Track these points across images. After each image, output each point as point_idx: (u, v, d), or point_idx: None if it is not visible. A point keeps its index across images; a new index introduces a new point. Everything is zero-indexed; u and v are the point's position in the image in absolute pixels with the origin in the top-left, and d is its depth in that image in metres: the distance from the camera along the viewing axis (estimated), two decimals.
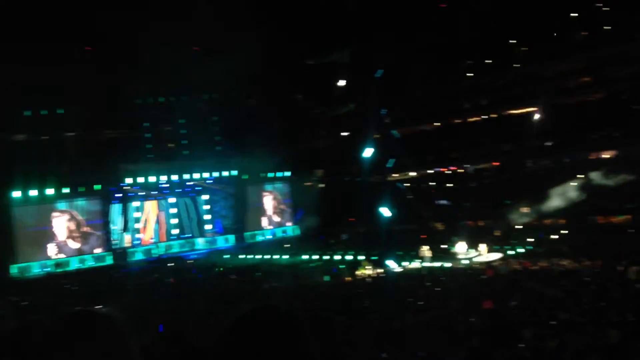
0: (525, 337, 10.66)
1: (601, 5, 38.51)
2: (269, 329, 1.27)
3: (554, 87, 39.26)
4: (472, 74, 43.65)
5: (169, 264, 30.87)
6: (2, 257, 29.31)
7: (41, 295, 22.36)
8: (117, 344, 1.51)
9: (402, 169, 42.65)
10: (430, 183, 41.16)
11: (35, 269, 30.44)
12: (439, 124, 45.50)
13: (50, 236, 31.56)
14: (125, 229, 34.21)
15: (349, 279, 23.94)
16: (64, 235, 31.96)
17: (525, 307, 14.40)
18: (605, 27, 37.76)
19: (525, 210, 31.48)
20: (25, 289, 24.66)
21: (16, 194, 30.37)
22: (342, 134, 48.75)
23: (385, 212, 30.84)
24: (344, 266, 26.57)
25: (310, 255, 30.76)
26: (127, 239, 34.26)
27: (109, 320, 1.55)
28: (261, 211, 40.58)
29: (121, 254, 33.43)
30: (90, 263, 32.09)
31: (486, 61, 43.43)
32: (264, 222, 40.55)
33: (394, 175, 42.14)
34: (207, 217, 38.07)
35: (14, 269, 29.74)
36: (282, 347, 1.24)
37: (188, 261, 32.49)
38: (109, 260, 32.81)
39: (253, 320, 1.30)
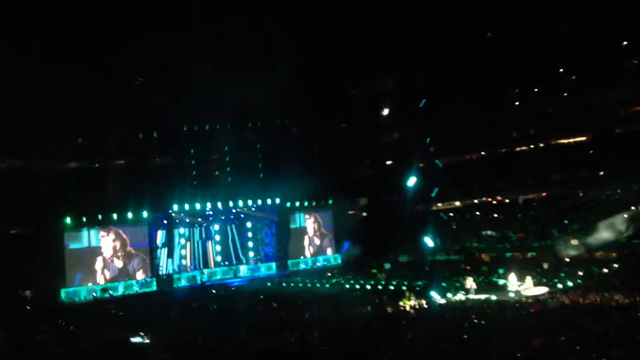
0: None
1: None
2: None
3: (604, 116, 38.31)
4: (519, 102, 43.04)
5: (212, 291, 31.09)
6: (52, 282, 30.14)
7: (87, 320, 22.82)
8: None
9: (447, 199, 42.11)
10: (476, 213, 40.40)
11: (83, 294, 31.17)
12: (485, 152, 44.85)
13: (98, 262, 32.33)
14: (170, 255, 34.77)
15: (391, 309, 23.53)
16: (110, 261, 32.72)
17: (574, 343, 13.82)
18: None
19: (574, 242, 30.46)
20: (72, 314, 25.23)
21: (66, 220, 31.30)
22: (387, 162, 48.62)
23: (429, 242, 30.40)
24: (386, 296, 26.16)
25: (352, 285, 30.46)
26: (171, 265, 34.79)
27: (142, 350, 1.56)
28: (304, 239, 40.62)
29: (165, 280, 33.92)
30: (135, 288, 32.65)
31: (535, 89, 42.80)
32: (306, 250, 40.54)
33: (438, 204, 41.64)
34: (250, 244, 38.33)
35: (63, 294, 30.52)
36: None
37: (231, 288, 32.65)
38: (154, 286, 33.32)
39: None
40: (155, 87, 35.06)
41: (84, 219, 31.84)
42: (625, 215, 30.93)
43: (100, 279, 32.11)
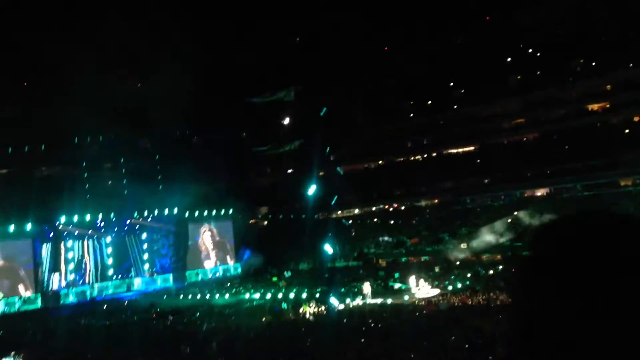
0: None
1: (535, 50, 40.66)
2: None
3: (490, 127, 40.76)
4: (413, 114, 44.87)
5: (103, 307, 29.53)
6: None
7: None
8: None
9: (346, 206, 42.90)
10: (374, 220, 41.47)
11: None
12: (383, 161, 46.27)
13: None
14: (56, 269, 32.61)
15: (291, 317, 23.52)
16: None
17: (464, 342, 14.46)
18: (538, 72, 39.75)
19: (463, 246, 32.11)
20: None
21: None
22: (287, 171, 48.82)
23: (328, 249, 30.78)
24: (286, 304, 26.10)
25: (253, 294, 30.15)
26: (58, 280, 32.64)
27: None
28: (202, 250, 39.68)
29: (51, 296, 31.77)
30: (18, 306, 30.30)
31: (428, 102, 44.81)
32: (205, 260, 39.62)
33: (338, 212, 42.31)
34: (145, 256, 36.88)
35: None
36: None
37: (124, 303, 31.18)
38: (38, 303, 31.10)
39: None
40: (46, 92, 33.06)
41: None
42: (508, 220, 33.00)
43: None
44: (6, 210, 31.61)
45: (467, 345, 14.15)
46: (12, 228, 31.06)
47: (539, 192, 36.91)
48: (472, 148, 42.50)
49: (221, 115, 42.05)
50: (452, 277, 27.61)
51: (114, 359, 15.59)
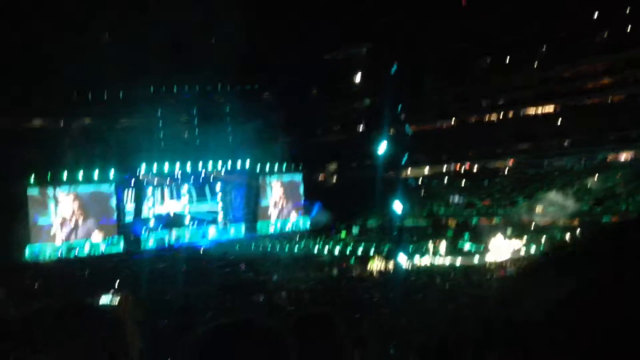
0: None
1: (624, 8, 37.99)
2: (242, 346, 1.18)
3: (573, 87, 38.90)
4: (490, 73, 43.31)
5: (180, 253, 31.02)
6: (16, 241, 29.60)
7: (52, 280, 22.58)
8: (114, 339, 1.49)
9: (416, 166, 42.50)
10: (445, 180, 40.93)
11: (48, 253, 30.70)
12: (455, 121, 45.24)
13: (63, 220, 31.83)
14: (137, 215, 34.41)
15: (359, 272, 23.92)
16: (76, 220, 32.24)
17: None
18: (625, 30, 37.25)
19: (538, 210, 31.18)
20: (37, 274, 24.91)
21: (31, 179, 30.61)
22: (357, 128, 48.70)
23: (397, 207, 30.75)
24: (354, 260, 26.54)
25: (321, 248, 30.76)
26: (138, 225, 34.47)
27: (107, 314, 1.53)
28: (273, 203, 40.62)
29: (133, 240, 33.65)
30: (102, 249, 32.33)
31: (506, 60, 43.07)
32: (276, 213, 40.60)
33: (407, 171, 42.01)
34: (219, 206, 38.19)
35: (27, 253, 30.03)
36: None
37: (199, 250, 32.62)
38: (121, 247, 33.05)
39: (225, 336, 1.21)
40: (124, 46, 34.12)
41: (49, 178, 31.15)
42: (588, 185, 31.74)
43: (66, 238, 31.64)
44: (90, 158, 33.50)
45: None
46: (96, 175, 32.88)
47: (622, 157, 35.09)
48: (551, 109, 40.77)
49: (293, 72, 42.14)
50: (525, 241, 27.04)
51: (191, 302, 16.45)
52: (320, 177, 47.58)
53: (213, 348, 1.16)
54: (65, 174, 31.61)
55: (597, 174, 32.65)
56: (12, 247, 29.18)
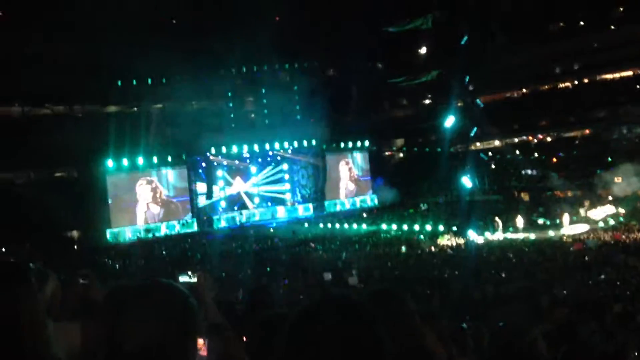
0: (615, 311, 10.15)
1: None
2: (332, 327, 1.18)
3: None
4: (562, 37, 41.25)
5: (251, 232, 31.75)
6: (98, 224, 31.22)
7: (132, 260, 23.70)
8: (189, 316, 1.54)
9: (486, 138, 41.37)
10: (516, 152, 39.61)
11: (127, 234, 32.22)
12: (526, 90, 43.55)
13: (140, 203, 33.24)
14: (209, 197, 35.43)
15: (429, 248, 23.69)
16: (152, 203, 33.60)
17: (615, 280, 13.72)
18: None
19: (617, 180, 29.61)
20: (118, 255, 26.20)
21: (108, 163, 32.06)
22: (424, 102, 47.82)
23: (467, 182, 30.10)
24: (423, 237, 26.28)
25: (390, 225, 30.64)
26: (211, 206, 35.52)
27: (181, 292, 1.56)
28: (340, 181, 40.73)
29: (205, 221, 34.72)
30: (177, 229, 33.57)
31: (579, 23, 40.88)
32: (343, 191, 40.71)
33: (477, 144, 40.96)
34: (287, 186, 38.70)
35: (108, 235, 31.62)
36: (346, 346, 1.15)
37: (269, 229, 33.26)
38: (195, 227, 34.19)
39: (314, 318, 1.22)
40: (190, 27, 34.87)
41: (125, 162, 32.54)
42: None
43: (143, 220, 33.06)
44: (163, 142, 34.71)
45: (618, 283, 13.41)
46: (169, 158, 34.04)
47: None
48: (630, 73, 38.48)
49: (357, 46, 41.70)
50: (604, 212, 25.85)
51: (262, 279, 16.84)
52: (388, 153, 47.22)
53: (302, 325, 1.21)
54: (140, 158, 32.89)
55: None
56: (95, 230, 30.84)
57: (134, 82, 36.61)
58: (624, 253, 17.16)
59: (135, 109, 37.99)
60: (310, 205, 38.92)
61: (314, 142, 38.98)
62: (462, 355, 4.18)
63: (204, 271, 3.29)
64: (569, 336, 7.46)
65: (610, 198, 28.43)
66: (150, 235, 32.12)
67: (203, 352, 2.34)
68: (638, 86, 36.11)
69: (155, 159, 33.49)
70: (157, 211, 33.69)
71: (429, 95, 46.75)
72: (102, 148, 31.29)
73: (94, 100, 35.93)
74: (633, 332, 8.38)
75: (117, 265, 22.87)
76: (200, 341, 2.51)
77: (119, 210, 32.46)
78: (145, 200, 33.40)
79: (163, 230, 33.20)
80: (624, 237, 20.55)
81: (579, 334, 7.78)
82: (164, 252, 26.36)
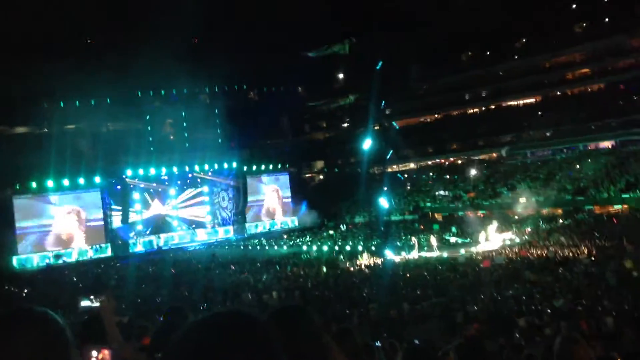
0: (521, 325, 10.77)
1: None
2: (226, 335, 1.15)
3: (553, 79, 39.38)
4: (471, 66, 43.67)
5: (169, 255, 30.97)
6: (2, 251, 29.44)
7: (39, 287, 22.49)
8: (49, 346, 1.43)
9: (402, 160, 42.79)
10: (430, 174, 41.22)
11: (36, 260, 30.57)
12: (439, 115, 45.57)
13: (50, 228, 31.69)
14: (124, 220, 34.32)
15: (348, 268, 24.06)
16: (63, 227, 32.10)
17: (521, 296, 14.53)
18: (604, 20, 37.82)
19: (522, 200, 31.55)
20: (25, 281, 24.80)
21: (16, 186, 30.43)
22: (343, 125, 48.87)
23: (384, 203, 30.97)
24: (342, 257, 26.66)
25: (310, 246, 30.88)
26: (126, 230, 34.39)
27: (43, 322, 1.46)
28: (260, 203, 40.67)
29: (121, 245, 33.57)
30: (90, 254, 32.22)
31: (487, 53, 43.47)
32: (264, 213, 40.65)
33: (393, 166, 42.28)
34: (207, 208, 38.16)
35: (14, 261, 29.87)
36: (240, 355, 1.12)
37: (188, 252, 32.60)
38: (109, 252, 32.95)
39: (210, 327, 1.18)
40: (110, 51, 34.08)
41: (34, 185, 31.00)
42: (571, 174, 32.17)
43: (52, 245, 31.49)
44: (76, 164, 33.35)
45: (524, 298, 14.21)
46: (82, 181, 32.73)
47: (603, 145, 35.57)
48: (532, 100, 41.25)
49: (277, 70, 42.22)
50: (511, 231, 27.36)
51: (181, 303, 16.50)
52: (308, 174, 47.74)
53: (199, 338, 1.15)
54: (50, 181, 31.45)
55: (579, 163, 33.10)
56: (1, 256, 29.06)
57: (44, 104, 35.14)
58: (528, 270, 18.21)
59: (46, 129, 36.38)
60: (231, 228, 38.55)
61: (234, 165, 38.79)
62: None
63: (109, 296, 3.30)
64: (477, 350, 7.89)
65: (516, 217, 30.13)
66: (60, 261, 30.61)
67: None
68: (539, 112, 38.69)
69: (66, 182, 32.12)
70: (66, 236, 32.20)
71: (347, 119, 47.86)
72: (8, 171, 29.67)
73: (1, 121, 34.12)
74: (539, 345, 8.96)
75: (24, 293, 21.61)
76: (106, 352, 2.60)
77: (26, 235, 30.77)
78: (55, 225, 31.86)
79: (74, 256, 31.74)
80: (528, 254, 21.82)
81: (487, 348, 8.23)
82: (74, 279, 25.13)
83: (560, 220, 27.78)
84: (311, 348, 1.84)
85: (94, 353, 2.92)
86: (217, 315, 1.20)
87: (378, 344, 10.24)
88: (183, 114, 40.31)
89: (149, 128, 39.62)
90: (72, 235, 32.37)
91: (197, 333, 1.15)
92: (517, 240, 25.60)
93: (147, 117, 39.33)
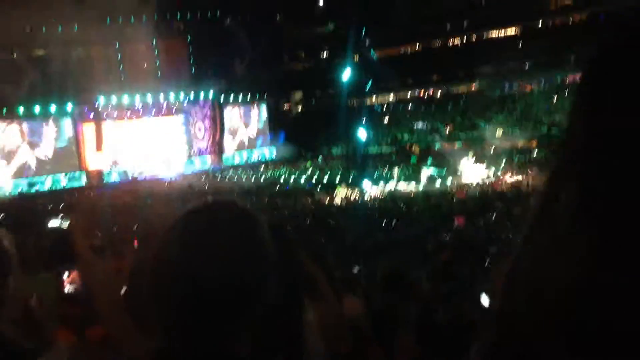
0: (491, 252, 11.06)
1: None
2: (221, 222, 1.12)
3: (534, 9, 38.78)
4: None
5: (144, 185, 30.77)
6: None
7: (9, 215, 22.29)
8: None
9: (381, 92, 42.43)
10: (408, 106, 41.08)
11: (8, 188, 30.16)
12: (419, 46, 44.89)
13: (23, 156, 31.13)
14: (99, 149, 33.78)
15: (325, 199, 24.27)
16: (36, 155, 31.57)
17: (493, 225, 14.88)
18: None
19: (499, 133, 31.73)
20: None
21: None
22: (321, 55, 47.96)
23: (361, 135, 30.92)
24: (320, 188, 26.83)
25: (287, 177, 30.96)
26: (101, 159, 33.90)
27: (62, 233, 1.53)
28: (237, 133, 40.34)
29: (96, 174, 33.20)
30: (64, 183, 31.87)
31: None
32: (241, 144, 40.41)
33: (372, 98, 41.95)
34: (184, 139, 37.72)
35: None
36: (235, 241, 1.09)
37: (164, 183, 32.43)
38: (83, 181, 32.62)
39: (204, 214, 1.15)
40: None
41: (4, 112, 30.17)
42: (549, 106, 32.31)
43: (25, 173, 31.05)
44: (47, 91, 32.33)
45: (494, 228, 14.56)
46: (53, 108, 31.91)
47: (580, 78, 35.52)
48: (513, 31, 40.75)
49: None
50: (486, 163, 27.63)
51: (155, 233, 16.53)
52: (285, 106, 47.20)
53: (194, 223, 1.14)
54: (23, 108, 30.62)
55: (557, 96, 33.19)
56: None
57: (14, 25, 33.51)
58: (500, 200, 18.58)
59: (14, 55, 34.95)
60: (208, 158, 38.32)
61: (210, 94, 38.08)
62: (354, 293, 4.38)
63: (78, 217, 3.17)
64: (447, 275, 8.07)
65: (492, 150, 30.41)
66: (33, 189, 30.26)
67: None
68: (519, 44, 38.32)
69: (38, 109, 31.28)
70: (40, 164, 31.70)
71: (327, 48, 46.90)
72: None
73: None
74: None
75: None
76: (75, 273, 2.52)
77: None
78: (27, 153, 31.29)
79: (48, 185, 31.36)
80: (502, 185, 22.22)
81: (456, 274, 8.43)
82: (48, 207, 24.92)
83: (535, 153, 28.14)
84: (290, 256, 1.85)
85: (65, 274, 2.84)
86: (215, 202, 1.22)
87: (357, 269, 10.46)
88: (158, 41, 38.95)
89: (123, 55, 38.29)
90: (45, 164, 31.88)
91: (194, 216, 1.15)
92: (492, 172, 25.95)
93: (120, 44, 37.91)
